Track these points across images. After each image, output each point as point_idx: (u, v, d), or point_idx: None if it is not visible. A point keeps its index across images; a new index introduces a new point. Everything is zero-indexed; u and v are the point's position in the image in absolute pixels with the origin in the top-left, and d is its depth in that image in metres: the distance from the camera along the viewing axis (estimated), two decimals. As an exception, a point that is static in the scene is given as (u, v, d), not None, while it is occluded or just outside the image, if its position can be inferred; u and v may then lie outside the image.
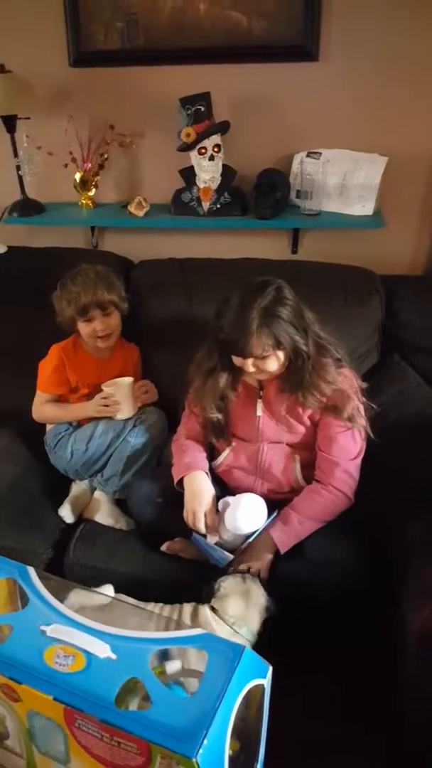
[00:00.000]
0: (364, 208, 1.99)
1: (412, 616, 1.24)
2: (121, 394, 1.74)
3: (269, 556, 1.46)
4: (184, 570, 1.52)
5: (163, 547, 1.55)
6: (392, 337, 1.88)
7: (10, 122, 2.06)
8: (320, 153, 1.97)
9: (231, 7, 1.90)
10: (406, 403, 1.75)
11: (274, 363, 1.45)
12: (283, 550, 1.47)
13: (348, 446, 1.51)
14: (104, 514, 1.70)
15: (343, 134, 1.97)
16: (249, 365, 1.45)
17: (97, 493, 1.76)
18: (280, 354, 1.44)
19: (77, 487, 1.80)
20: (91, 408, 1.77)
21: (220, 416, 1.56)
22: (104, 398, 1.74)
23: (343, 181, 1.98)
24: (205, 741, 0.81)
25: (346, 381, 1.51)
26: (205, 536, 1.50)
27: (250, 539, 1.49)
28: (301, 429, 1.55)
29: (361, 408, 1.51)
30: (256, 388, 1.57)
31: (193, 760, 0.79)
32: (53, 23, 2.00)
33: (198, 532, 1.50)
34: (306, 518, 1.49)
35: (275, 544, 1.47)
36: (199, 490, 1.52)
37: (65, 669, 0.92)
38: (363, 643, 1.45)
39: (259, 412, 1.56)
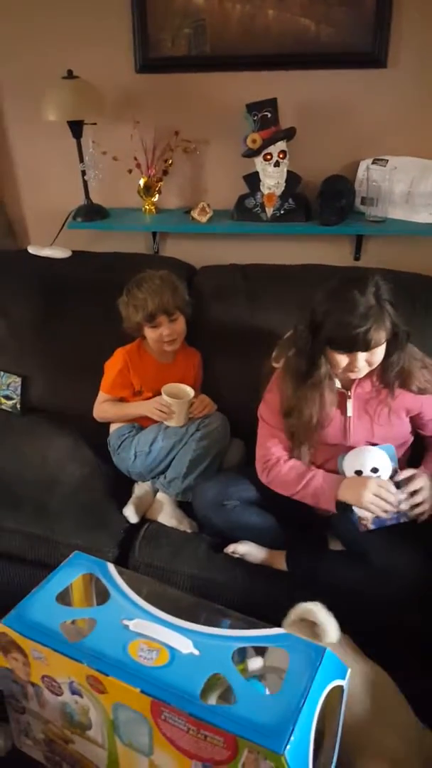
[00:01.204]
0: (431, 216, 1.97)
1: None
2: (178, 406, 1.76)
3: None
4: (250, 573, 1.53)
5: (228, 550, 1.56)
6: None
7: (77, 127, 2.10)
8: (387, 160, 1.96)
9: (299, 14, 1.92)
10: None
11: (382, 353, 1.42)
12: None
13: None
14: (167, 516, 1.72)
15: (411, 141, 1.96)
16: (360, 360, 1.39)
17: (160, 495, 1.79)
18: (385, 343, 1.41)
19: (140, 488, 1.83)
20: (146, 408, 1.80)
21: (314, 423, 1.49)
22: (162, 404, 1.76)
23: (410, 188, 1.96)
24: (292, 737, 0.83)
25: (430, 360, 1.52)
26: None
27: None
28: (395, 421, 1.52)
29: None
30: (342, 390, 1.52)
31: (282, 755, 0.81)
32: (121, 30, 2.04)
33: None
34: None
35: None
36: (360, 481, 1.43)
37: (150, 663, 0.94)
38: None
39: (350, 413, 1.52)
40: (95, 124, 2.11)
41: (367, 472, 1.44)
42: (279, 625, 1.00)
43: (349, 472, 1.47)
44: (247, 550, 1.55)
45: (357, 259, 2.17)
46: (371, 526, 1.45)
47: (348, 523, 1.48)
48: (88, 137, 2.14)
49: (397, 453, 1.50)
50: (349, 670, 0.96)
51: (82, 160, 2.17)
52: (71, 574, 1.14)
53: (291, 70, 1.98)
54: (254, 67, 2.00)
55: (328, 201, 1.98)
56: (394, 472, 1.46)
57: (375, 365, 1.44)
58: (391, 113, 1.97)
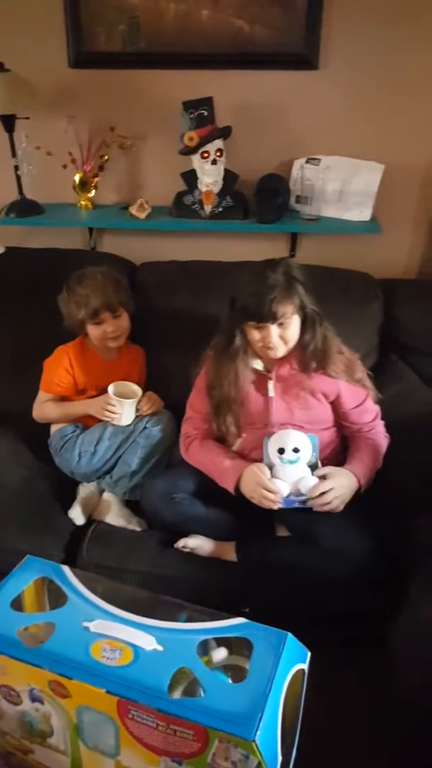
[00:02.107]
0: (362, 213, 2.04)
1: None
2: (127, 406, 1.74)
3: (349, 486, 1.50)
4: (201, 567, 1.54)
5: (179, 544, 1.56)
6: (391, 339, 1.94)
7: (9, 122, 2.04)
8: (319, 159, 2.01)
9: (234, 15, 1.94)
10: (404, 402, 1.81)
11: (296, 328, 1.53)
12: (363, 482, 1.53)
13: (370, 407, 1.64)
14: (115, 515, 1.70)
15: (342, 142, 2.03)
16: (273, 334, 1.50)
17: (106, 495, 1.76)
18: (298, 320, 1.52)
19: (85, 489, 1.79)
20: (93, 408, 1.77)
21: (233, 395, 1.59)
22: (110, 404, 1.73)
23: (342, 187, 2.03)
24: (261, 723, 0.84)
25: (347, 349, 1.62)
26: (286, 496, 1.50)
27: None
28: (315, 403, 1.60)
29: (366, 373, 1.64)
30: (263, 372, 1.61)
31: (252, 741, 0.82)
32: (54, 24, 2.00)
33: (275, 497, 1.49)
34: (366, 464, 1.57)
35: (357, 478, 1.52)
36: (252, 477, 1.52)
37: (114, 663, 0.93)
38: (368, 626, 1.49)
39: (271, 393, 1.60)
40: (28, 118, 2.05)
41: (288, 451, 1.52)
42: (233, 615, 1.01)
43: (272, 450, 1.53)
44: (197, 543, 1.56)
45: (292, 255, 2.21)
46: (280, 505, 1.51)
47: (292, 510, 1.52)
48: (20, 131, 2.08)
49: (321, 438, 1.58)
50: None
51: (14, 154, 2.11)
52: (25, 579, 1.11)
53: (226, 69, 2.00)
54: (190, 65, 2.01)
55: (264, 199, 2.01)
56: (315, 466, 1.52)
57: (290, 343, 1.54)
58: (323, 114, 2.02)
